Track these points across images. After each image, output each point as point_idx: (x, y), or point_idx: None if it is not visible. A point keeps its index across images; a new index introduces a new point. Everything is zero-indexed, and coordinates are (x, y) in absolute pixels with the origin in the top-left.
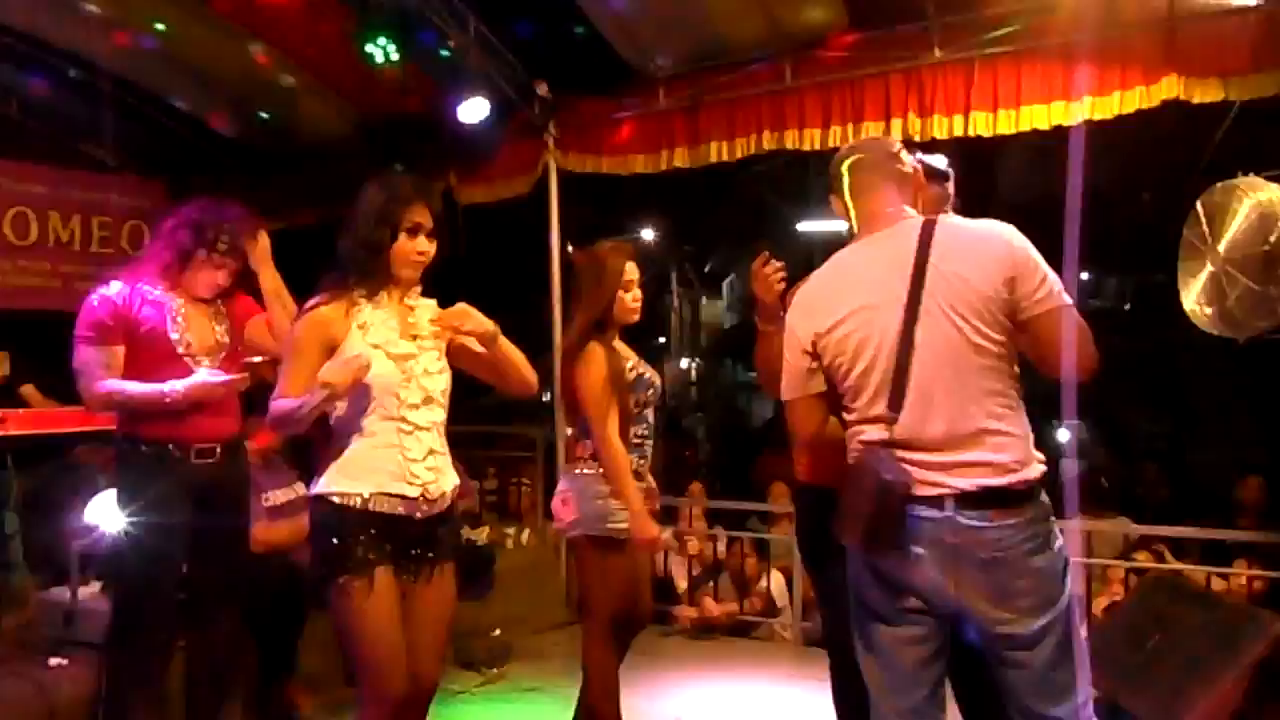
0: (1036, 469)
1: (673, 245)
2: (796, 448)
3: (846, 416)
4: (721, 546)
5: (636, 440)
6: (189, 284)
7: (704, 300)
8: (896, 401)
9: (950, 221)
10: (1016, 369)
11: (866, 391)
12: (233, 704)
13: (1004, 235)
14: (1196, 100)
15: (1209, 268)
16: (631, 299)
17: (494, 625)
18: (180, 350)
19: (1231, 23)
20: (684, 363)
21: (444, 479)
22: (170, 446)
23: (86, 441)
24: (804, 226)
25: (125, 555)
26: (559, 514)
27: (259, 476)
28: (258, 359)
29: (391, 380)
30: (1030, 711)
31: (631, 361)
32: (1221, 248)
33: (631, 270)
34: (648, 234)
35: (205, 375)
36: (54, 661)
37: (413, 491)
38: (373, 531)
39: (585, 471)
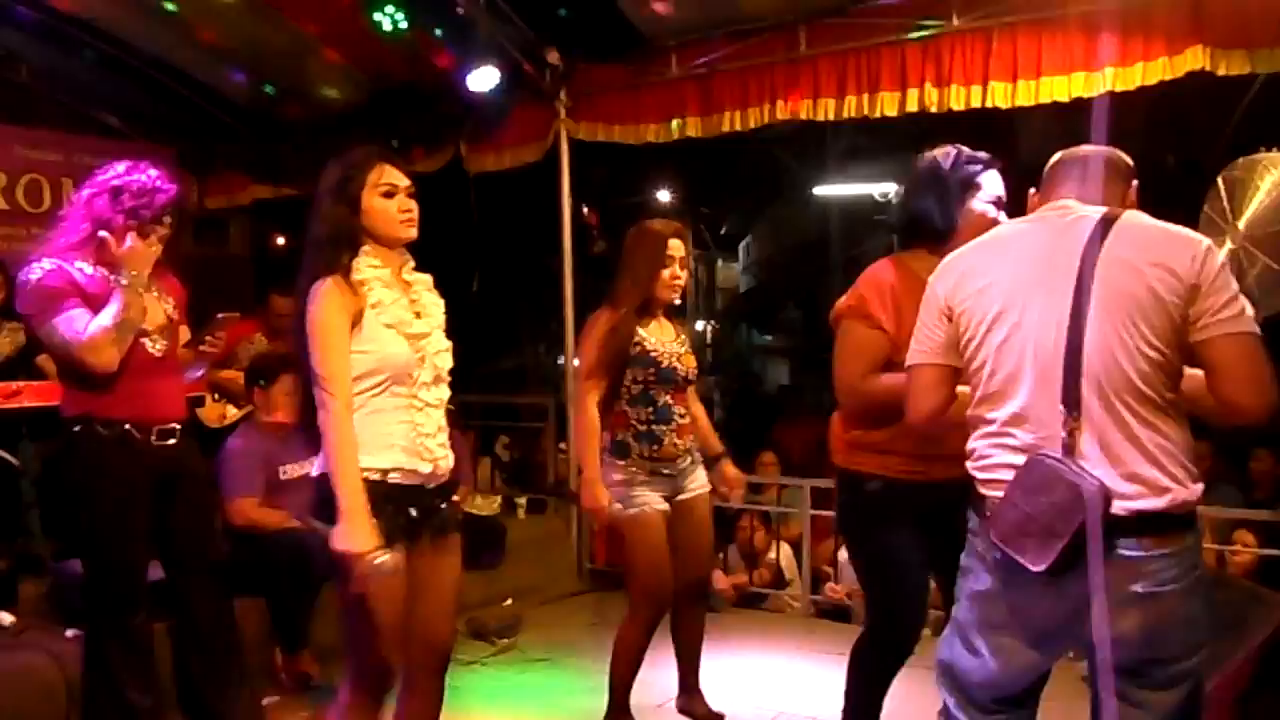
0: (1196, 489)
1: (688, 207)
2: (892, 431)
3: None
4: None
5: (641, 426)
6: (124, 258)
7: (719, 263)
8: (1039, 399)
9: (1136, 216)
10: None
11: (998, 376)
12: (236, 680)
13: (1195, 240)
14: (1221, 73)
15: (1229, 245)
16: (670, 276)
17: (505, 596)
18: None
19: None
20: (699, 326)
21: (450, 456)
22: (128, 427)
23: None
24: (820, 190)
25: (90, 536)
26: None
27: (276, 450)
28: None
29: (408, 360)
30: None
31: (653, 339)
32: (1241, 224)
33: (676, 248)
34: (663, 196)
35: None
36: (70, 633)
37: (425, 468)
38: (393, 506)
39: (605, 459)
